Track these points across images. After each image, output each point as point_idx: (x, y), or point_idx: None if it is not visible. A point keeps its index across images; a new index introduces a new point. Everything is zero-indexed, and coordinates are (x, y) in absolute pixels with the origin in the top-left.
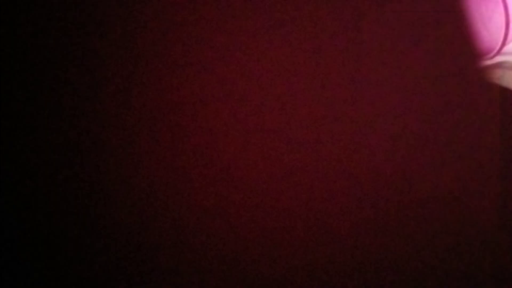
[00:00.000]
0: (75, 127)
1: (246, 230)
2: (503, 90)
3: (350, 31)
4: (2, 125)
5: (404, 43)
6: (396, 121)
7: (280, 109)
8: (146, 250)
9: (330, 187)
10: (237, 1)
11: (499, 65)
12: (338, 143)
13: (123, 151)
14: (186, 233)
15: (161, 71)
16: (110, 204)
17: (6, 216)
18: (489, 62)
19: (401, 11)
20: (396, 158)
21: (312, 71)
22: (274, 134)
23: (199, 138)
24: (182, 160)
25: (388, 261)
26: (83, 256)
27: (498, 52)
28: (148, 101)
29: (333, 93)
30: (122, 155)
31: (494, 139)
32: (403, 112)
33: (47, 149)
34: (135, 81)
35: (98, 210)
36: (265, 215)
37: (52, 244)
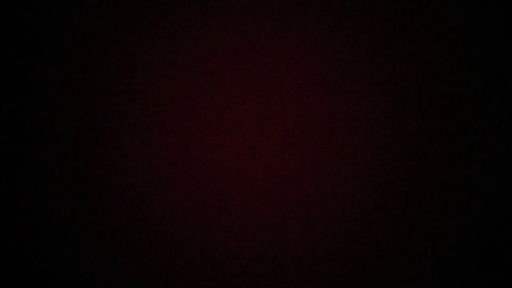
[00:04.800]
0: (75, 127)
1: (243, 232)
2: None
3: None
4: (2, 125)
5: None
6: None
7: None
8: (146, 248)
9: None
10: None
11: None
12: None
13: (123, 152)
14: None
15: (166, 74)
16: (111, 204)
17: (6, 216)
18: None
19: None
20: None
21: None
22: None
23: (200, 140)
24: (183, 161)
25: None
26: (84, 256)
27: None
28: (151, 102)
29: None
30: (122, 155)
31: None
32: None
33: (46, 148)
34: (137, 83)
35: (99, 210)
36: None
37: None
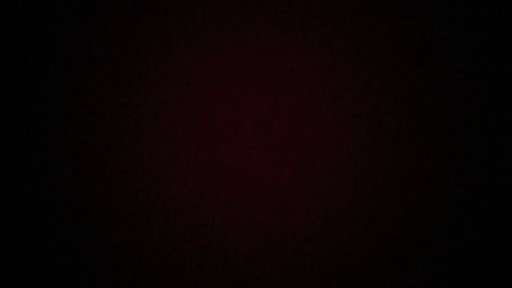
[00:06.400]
0: (75, 127)
1: (246, 232)
2: None
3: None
4: (3, 125)
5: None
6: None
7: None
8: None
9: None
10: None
11: None
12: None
13: (125, 151)
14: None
15: (166, 72)
16: (112, 204)
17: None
18: None
19: None
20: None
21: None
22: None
23: (201, 139)
24: (183, 161)
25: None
26: (86, 257)
27: None
28: (152, 102)
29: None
30: (124, 155)
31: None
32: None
33: (46, 148)
34: (137, 82)
35: (100, 210)
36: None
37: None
